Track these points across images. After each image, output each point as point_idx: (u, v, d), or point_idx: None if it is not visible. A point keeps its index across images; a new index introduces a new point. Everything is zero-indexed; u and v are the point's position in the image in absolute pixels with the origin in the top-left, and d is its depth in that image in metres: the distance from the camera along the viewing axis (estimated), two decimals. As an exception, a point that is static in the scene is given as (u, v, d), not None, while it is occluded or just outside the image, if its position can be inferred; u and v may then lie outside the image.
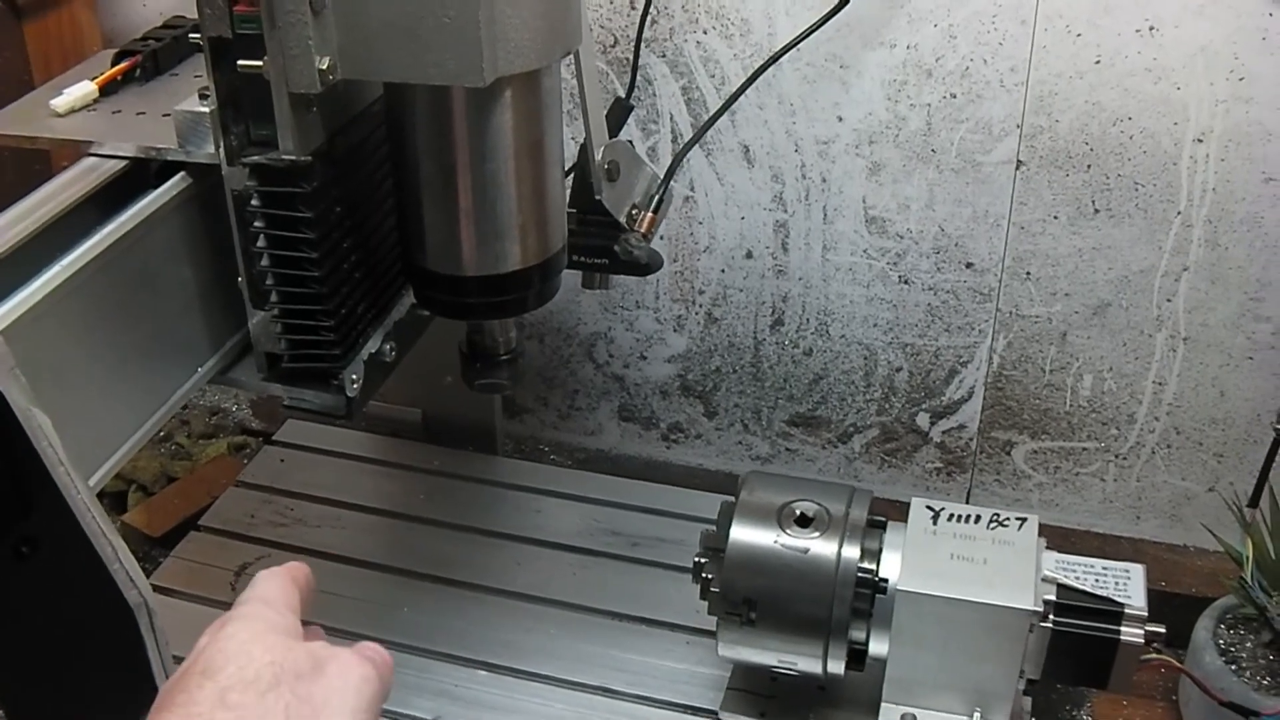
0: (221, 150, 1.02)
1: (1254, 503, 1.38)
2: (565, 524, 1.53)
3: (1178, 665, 1.30)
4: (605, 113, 1.20)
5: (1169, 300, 1.46)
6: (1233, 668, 1.31)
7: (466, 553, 1.48)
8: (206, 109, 1.02)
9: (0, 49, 1.63)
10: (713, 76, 1.47)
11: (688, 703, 1.30)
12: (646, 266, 1.25)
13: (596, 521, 1.53)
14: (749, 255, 1.56)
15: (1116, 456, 1.57)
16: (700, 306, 1.62)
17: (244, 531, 1.52)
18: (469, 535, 1.51)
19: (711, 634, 1.26)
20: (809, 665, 1.21)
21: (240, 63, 0.97)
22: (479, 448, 1.66)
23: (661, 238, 1.27)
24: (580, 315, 1.67)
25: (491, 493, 1.58)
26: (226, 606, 1.37)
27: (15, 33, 1.65)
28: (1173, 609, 1.21)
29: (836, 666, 1.21)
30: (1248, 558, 1.32)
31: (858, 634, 1.19)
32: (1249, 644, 1.34)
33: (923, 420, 1.61)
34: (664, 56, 1.48)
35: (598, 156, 1.16)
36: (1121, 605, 1.16)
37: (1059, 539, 1.21)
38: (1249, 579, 1.32)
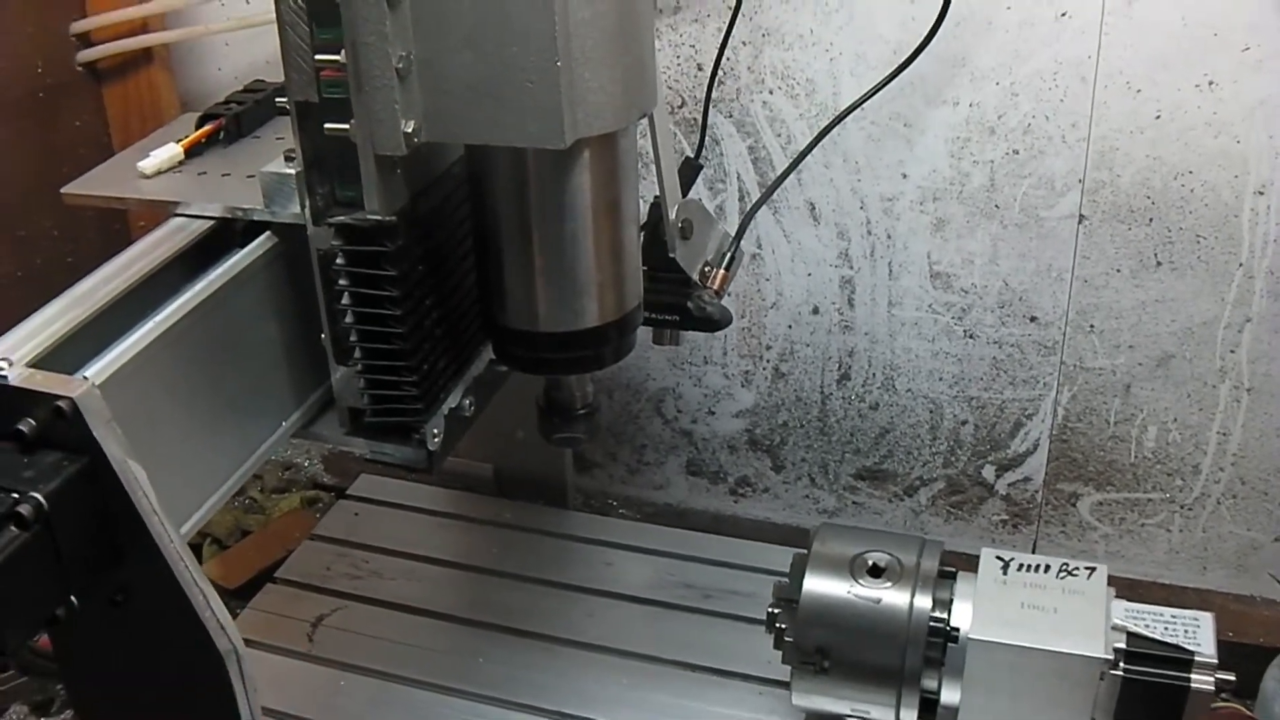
0: (307, 210, 1.05)
1: (1321, 553, 1.39)
2: (637, 577, 1.55)
3: (1248, 714, 1.31)
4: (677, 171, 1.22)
5: (1232, 351, 1.47)
6: (1303, 717, 1.32)
7: (540, 605, 1.50)
8: (292, 170, 1.06)
9: (80, 113, 1.68)
10: (779, 135, 1.50)
11: (760, 752, 1.31)
12: (717, 323, 1.27)
13: (668, 574, 1.55)
14: (815, 311, 1.59)
15: (1182, 507, 1.58)
16: (768, 362, 1.64)
17: (319, 584, 1.55)
18: (542, 588, 1.53)
19: (784, 684, 1.28)
20: (882, 714, 1.23)
21: (327, 126, 1.00)
22: (550, 502, 1.68)
23: (730, 294, 1.29)
24: (649, 371, 1.69)
25: (563, 546, 1.60)
26: (303, 658, 1.42)
27: (95, 96, 1.70)
28: (1240, 659, 1.21)
29: (909, 715, 1.22)
30: (1317, 607, 1.34)
31: (929, 683, 1.21)
32: (1319, 694, 1.34)
33: (988, 473, 1.63)
34: (731, 116, 1.51)
35: (672, 215, 1.19)
36: (1191, 653, 1.17)
37: (1125, 590, 1.22)
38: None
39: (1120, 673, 1.17)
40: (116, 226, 1.67)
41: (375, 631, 1.48)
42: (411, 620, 1.49)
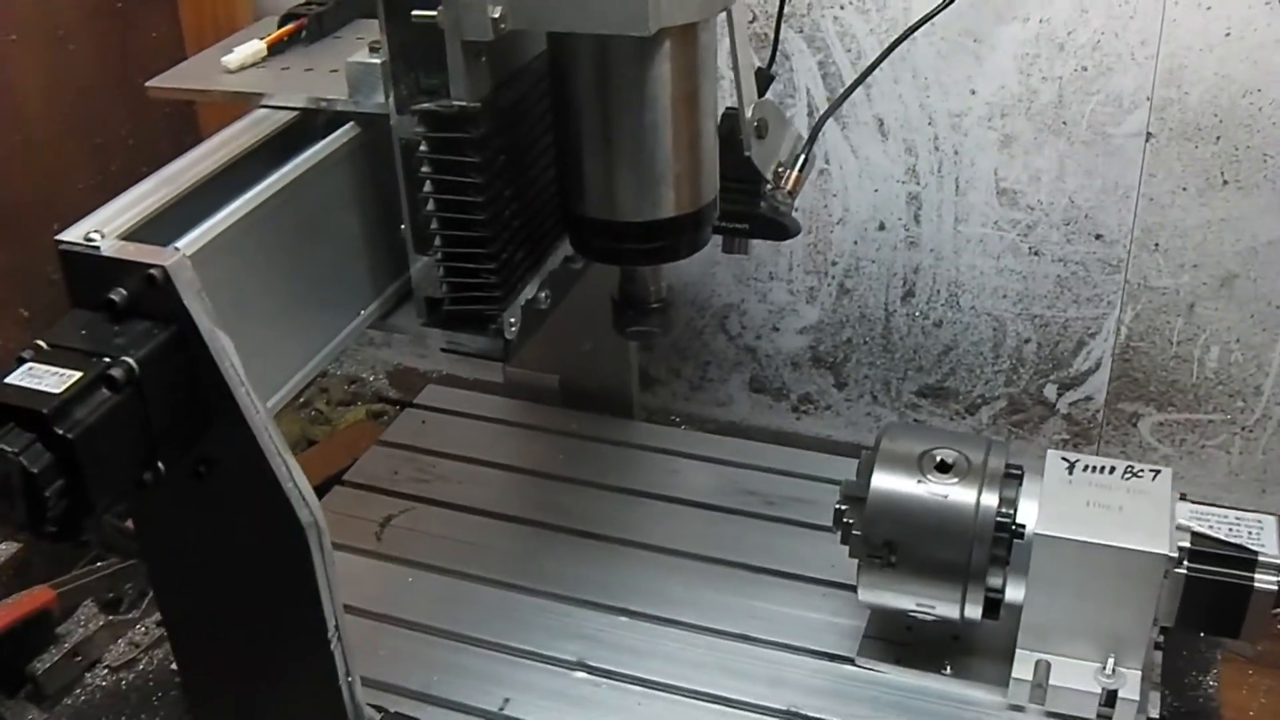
0: (391, 99, 1.08)
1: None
2: (701, 484, 1.57)
3: (1308, 620, 1.32)
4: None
5: (1297, 271, 1.48)
6: (1360, 633, 1.33)
7: (605, 509, 1.53)
8: (378, 60, 1.08)
9: (156, 23, 1.71)
10: (848, 51, 1.51)
11: (825, 650, 1.33)
12: (787, 229, 1.29)
13: (732, 482, 1.57)
14: (882, 227, 1.60)
15: (1243, 429, 1.59)
16: (833, 278, 1.65)
17: (387, 486, 1.58)
18: (607, 493, 1.56)
19: (848, 587, 1.30)
20: (947, 609, 1.25)
21: (415, 13, 1.02)
22: (615, 415, 1.70)
23: (797, 209, 1.31)
24: (714, 287, 1.71)
25: (629, 454, 1.63)
26: (372, 555, 1.45)
27: (171, 7, 1.72)
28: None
29: (974, 611, 1.24)
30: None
31: (994, 580, 1.23)
32: (1377, 611, 1.35)
33: (1050, 392, 1.64)
34: (801, 32, 1.52)
35: (748, 113, 1.20)
36: (1255, 553, 1.19)
37: (1186, 511, 1.24)
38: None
39: (1184, 571, 1.19)
40: (190, 138, 1.69)
41: (442, 532, 1.50)
42: (478, 521, 1.52)
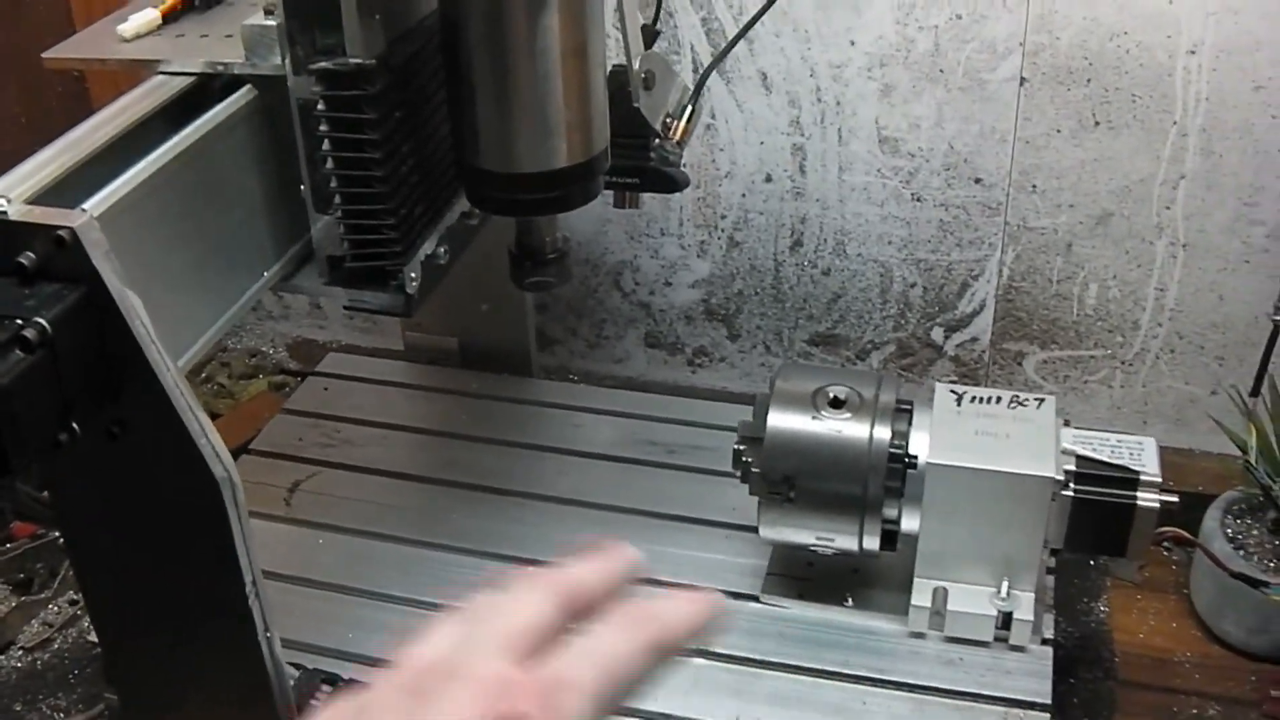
0: (288, 60, 1.09)
1: (1255, 392, 1.44)
2: (603, 436, 1.60)
3: (1189, 537, 1.37)
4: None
5: (1168, 208, 1.53)
6: (1241, 553, 1.37)
7: (510, 465, 1.55)
8: (273, 22, 1.10)
9: (41, 2, 1.70)
10: (730, 7, 1.54)
11: (730, 589, 1.36)
12: (675, 181, 1.32)
13: (633, 434, 1.60)
14: (768, 179, 1.64)
15: (1123, 363, 1.64)
16: (722, 231, 1.69)
17: (294, 453, 1.59)
18: (511, 449, 1.58)
19: (750, 529, 1.34)
20: (846, 542, 1.29)
21: (311, -28, 1.04)
22: (514, 374, 1.73)
23: (685, 164, 1.34)
24: (607, 245, 1.74)
25: (530, 411, 1.65)
26: (282, 520, 1.46)
27: (58, -19, 1.73)
28: (1181, 507, 1.26)
29: (872, 543, 1.28)
30: (1252, 445, 1.39)
31: (890, 511, 1.27)
32: (1255, 531, 1.40)
33: (937, 334, 1.69)
34: (684, -12, 1.55)
35: (635, 65, 1.23)
36: (1137, 473, 1.24)
37: (1070, 446, 1.29)
38: (1254, 463, 1.39)
39: (1070, 493, 1.23)
40: (82, 113, 1.69)
41: (350, 494, 1.52)
42: (386, 482, 1.54)
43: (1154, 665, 1.39)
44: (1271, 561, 1.37)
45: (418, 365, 1.74)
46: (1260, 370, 1.45)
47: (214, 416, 1.75)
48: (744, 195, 1.65)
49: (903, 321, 1.69)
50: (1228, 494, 1.44)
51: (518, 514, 1.48)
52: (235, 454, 1.57)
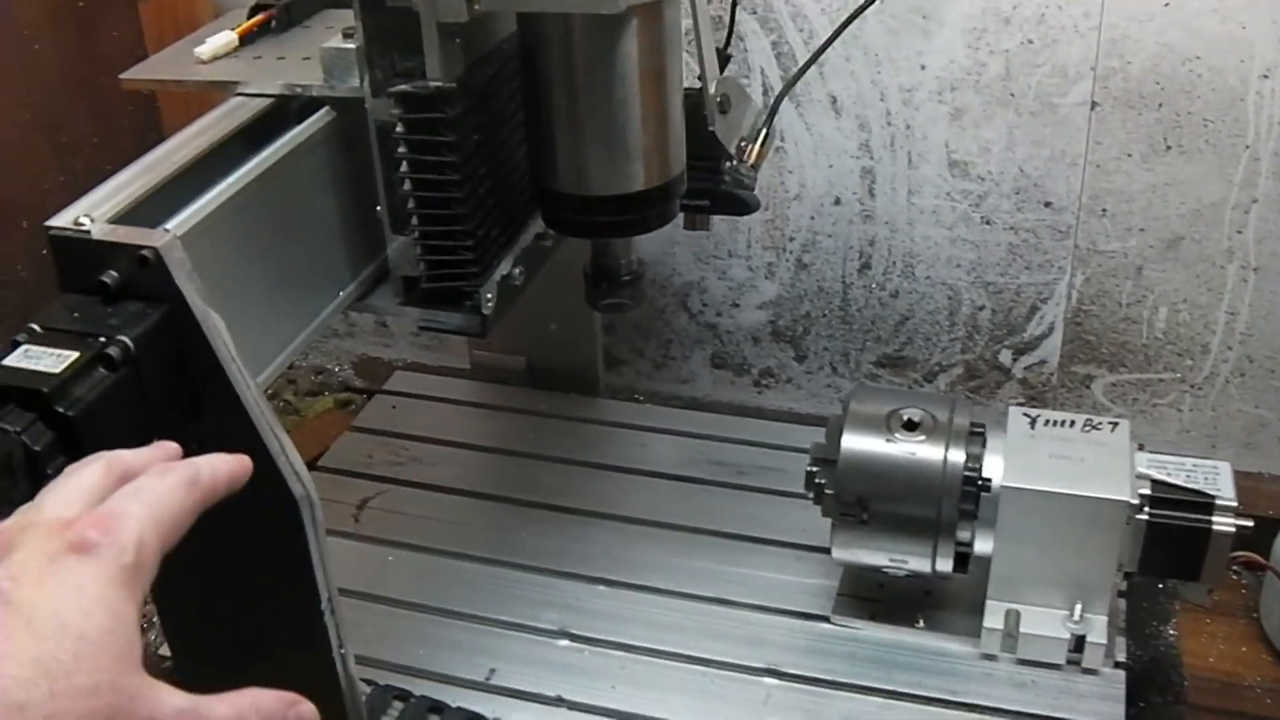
0: (367, 83, 1.10)
1: (1328, 419, 1.45)
2: (670, 456, 1.61)
3: (1262, 560, 1.37)
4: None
5: (1239, 232, 1.52)
6: (1312, 577, 1.37)
7: (577, 483, 1.56)
8: (352, 45, 1.11)
9: (115, 24, 1.72)
10: (801, 30, 1.55)
11: (801, 609, 1.37)
12: (746, 203, 1.32)
13: (700, 454, 1.61)
14: (837, 202, 1.64)
15: (1192, 387, 1.63)
16: (790, 253, 1.69)
17: (362, 470, 1.60)
18: (579, 469, 1.59)
19: (821, 549, 1.34)
20: (918, 564, 1.29)
21: (391, -2, 1.05)
22: (581, 394, 1.73)
23: (755, 188, 1.35)
24: (675, 266, 1.74)
25: (598, 431, 1.66)
26: (351, 537, 1.47)
27: (131, 7, 1.74)
28: (1251, 531, 1.26)
29: (944, 565, 1.28)
30: (1323, 470, 1.39)
31: (964, 534, 1.27)
32: (1327, 557, 1.40)
33: (1005, 357, 1.68)
34: (754, 13, 1.55)
35: (711, 89, 1.23)
36: (1212, 497, 1.23)
37: (1140, 470, 1.29)
38: (1326, 488, 1.38)
39: (1145, 517, 1.23)
40: (153, 135, 1.71)
41: (419, 511, 1.53)
42: (454, 500, 1.55)
43: (1223, 689, 1.38)
44: (1342, 587, 1.36)
45: (485, 384, 1.75)
46: (1331, 395, 1.45)
47: (280, 434, 1.77)
48: (813, 218, 1.66)
49: (971, 344, 1.68)
50: (1298, 518, 1.43)
51: (585, 533, 1.49)
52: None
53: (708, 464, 1.58)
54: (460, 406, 1.72)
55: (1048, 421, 1.29)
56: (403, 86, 1.09)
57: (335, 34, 1.15)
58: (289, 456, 1.02)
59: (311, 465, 1.58)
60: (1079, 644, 1.27)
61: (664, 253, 1.73)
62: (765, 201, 1.65)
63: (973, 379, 1.71)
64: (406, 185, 1.13)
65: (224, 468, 0.79)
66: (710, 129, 1.25)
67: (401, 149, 1.11)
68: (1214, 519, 1.23)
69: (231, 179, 1.08)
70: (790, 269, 1.70)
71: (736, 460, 1.59)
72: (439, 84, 1.08)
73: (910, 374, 1.73)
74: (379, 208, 1.16)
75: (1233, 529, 1.23)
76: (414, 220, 1.14)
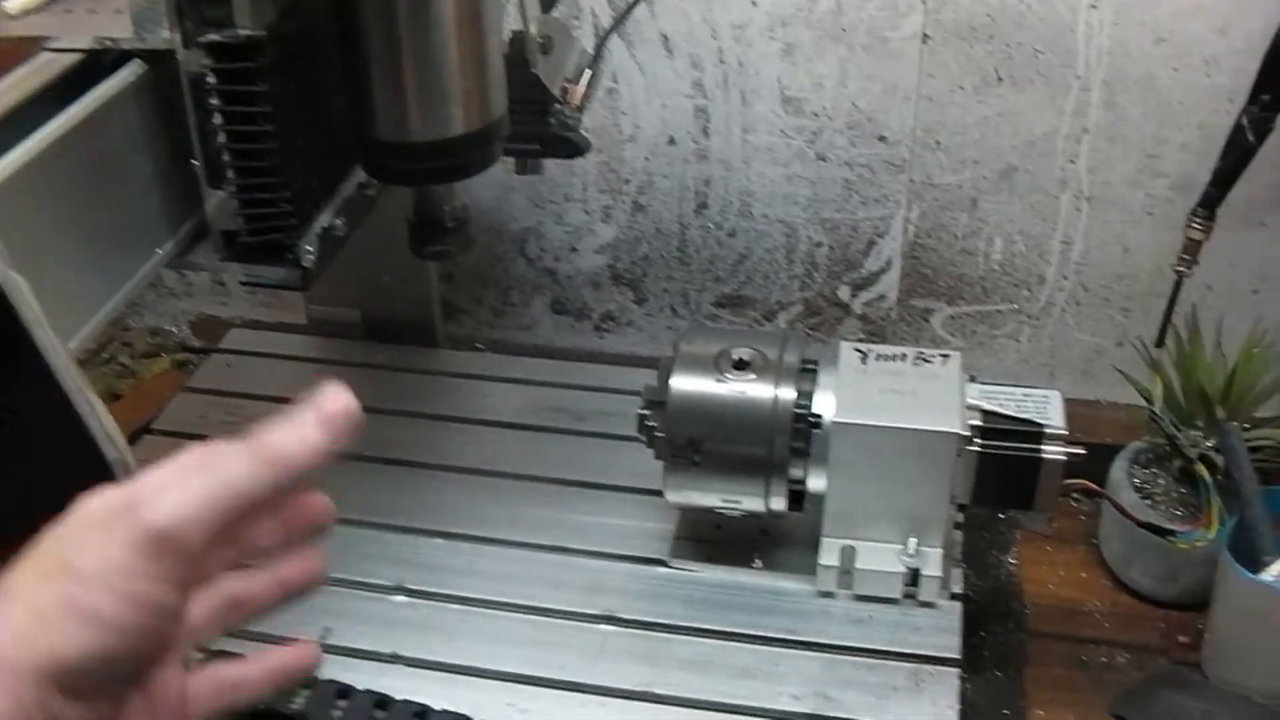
0: (177, 34, 1.06)
1: (1159, 343, 1.45)
2: (510, 404, 1.59)
3: (1096, 488, 1.37)
4: (535, -8, 1.25)
5: (1072, 162, 1.53)
6: (1148, 502, 1.38)
7: (416, 436, 1.54)
8: (162, -4, 1.08)
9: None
10: (630, -33, 1.53)
11: (639, 554, 1.36)
12: (576, 145, 1.30)
13: (540, 401, 1.59)
14: (672, 142, 1.62)
15: (1029, 317, 1.64)
16: (627, 196, 1.67)
17: (196, 431, 1.56)
18: (418, 420, 1.57)
19: (657, 493, 1.32)
20: (752, 503, 1.28)
21: (195, -57, 1.02)
22: (419, 345, 1.71)
23: (587, 129, 1.32)
24: (511, 212, 1.72)
25: (436, 381, 1.64)
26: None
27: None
28: (1089, 459, 1.27)
29: (778, 504, 1.28)
30: (1157, 395, 1.40)
31: (796, 471, 1.26)
32: (1161, 481, 1.41)
33: (844, 293, 1.68)
34: (583, -51, 1.53)
35: (532, 29, 1.21)
36: (1042, 426, 1.23)
37: (979, 400, 1.29)
38: (1159, 413, 1.39)
39: (976, 448, 1.23)
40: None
41: (255, 471, 1.49)
42: (290, 458, 1.51)
43: (1064, 615, 1.40)
44: (1178, 510, 1.38)
45: (321, 339, 1.72)
46: (1164, 322, 1.46)
47: (116, 397, 1.73)
48: (647, 159, 1.64)
49: (809, 281, 1.68)
50: (1134, 444, 1.44)
51: (424, 485, 1.46)
52: (139, 433, 1.56)
53: (548, 411, 1.57)
54: (296, 363, 1.68)
55: (879, 356, 1.29)
56: (212, 36, 1.05)
57: (146, -18, 1.11)
58: (102, 421, 0.99)
59: (146, 428, 1.56)
60: (914, 577, 1.27)
61: (499, 199, 1.71)
62: (599, 144, 1.63)
63: (812, 316, 1.70)
64: (221, 138, 1.09)
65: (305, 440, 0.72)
66: (533, 71, 1.23)
67: (214, 101, 1.07)
68: (1044, 448, 1.23)
69: (38, 135, 1.04)
70: (627, 211, 1.68)
71: (576, 406, 1.57)
72: (248, 33, 1.05)
73: (750, 313, 1.72)
74: (195, 161, 1.13)
75: (1063, 457, 1.23)
76: (230, 174, 1.11)
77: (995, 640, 1.35)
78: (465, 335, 1.83)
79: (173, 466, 0.66)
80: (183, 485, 0.65)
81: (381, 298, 1.69)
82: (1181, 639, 1.35)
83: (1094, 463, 1.33)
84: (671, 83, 1.58)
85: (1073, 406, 1.28)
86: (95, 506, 0.65)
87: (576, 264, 1.75)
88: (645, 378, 1.33)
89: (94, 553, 0.62)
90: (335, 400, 0.71)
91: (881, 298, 1.67)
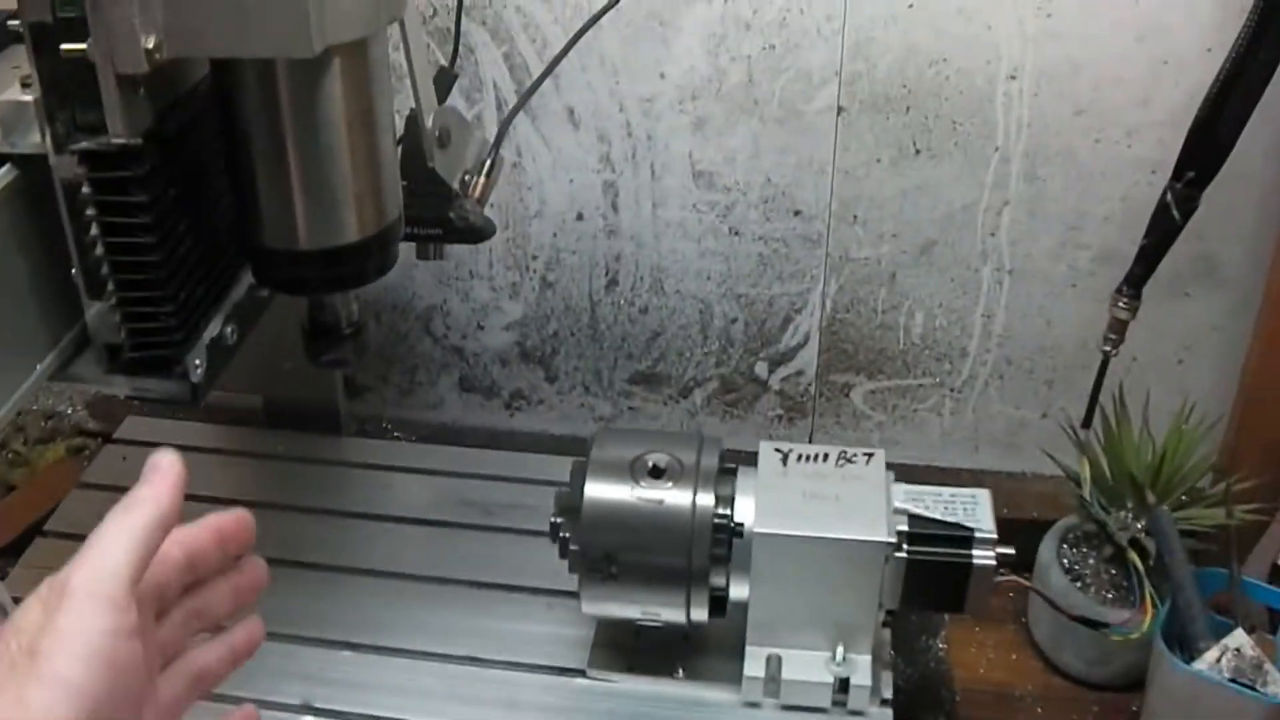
0: (48, 138, 1.00)
1: (1087, 424, 1.42)
2: (416, 498, 1.53)
3: (1026, 583, 1.34)
4: (432, 80, 1.19)
5: (992, 235, 1.50)
6: (1078, 584, 1.36)
7: (320, 534, 1.47)
8: (30, 97, 1.00)
9: None
10: (534, 41, 1.47)
11: (556, 664, 1.31)
12: (480, 232, 1.25)
13: (447, 493, 1.53)
14: (580, 217, 1.58)
15: (952, 390, 1.61)
16: (534, 272, 1.62)
17: (90, 533, 1.49)
18: (320, 517, 1.50)
19: (573, 594, 1.27)
20: (672, 615, 1.23)
21: (64, 47, 0.95)
22: (323, 430, 1.65)
23: (492, 205, 1.28)
24: (415, 289, 1.67)
25: (339, 473, 1.58)
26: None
27: None
28: (1016, 534, 1.23)
29: (699, 614, 1.23)
30: (1085, 478, 1.37)
31: (718, 580, 1.21)
32: (1091, 560, 1.38)
33: (761, 369, 1.64)
34: (484, 24, 1.48)
35: (428, 123, 1.16)
36: (971, 530, 1.20)
37: (901, 474, 1.24)
38: (1088, 497, 1.36)
39: (904, 555, 1.19)
40: None
41: (150, 573, 1.43)
42: (188, 560, 1.45)
43: (995, 701, 1.38)
44: (1109, 592, 1.36)
45: (220, 426, 1.65)
46: (1091, 402, 1.42)
47: (10, 488, 1.66)
48: (555, 235, 1.59)
49: (725, 357, 1.64)
50: (1062, 522, 1.42)
51: (328, 590, 1.40)
52: (31, 532, 1.49)
53: (456, 504, 1.51)
54: (194, 454, 1.59)
55: (800, 457, 1.24)
56: (85, 144, 0.99)
57: (14, 84, 1.04)
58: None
59: (39, 528, 1.50)
60: (844, 685, 1.22)
61: (403, 276, 1.65)
62: (504, 220, 1.58)
63: (729, 393, 1.66)
64: (99, 248, 1.03)
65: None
66: (430, 165, 1.18)
67: (90, 210, 1.01)
68: (974, 553, 1.19)
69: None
70: (535, 288, 1.63)
71: (485, 498, 1.51)
72: (123, 141, 0.98)
73: (665, 390, 1.68)
74: (73, 271, 1.06)
75: (994, 561, 1.19)
76: (110, 285, 1.05)
77: (926, 732, 1.32)
78: (372, 414, 1.77)
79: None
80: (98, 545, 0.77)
81: (283, 382, 1.62)
82: (1118, 721, 1.32)
83: (1022, 537, 1.28)
84: (578, 157, 1.54)
85: (998, 480, 1.26)
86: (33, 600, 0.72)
87: (484, 341, 1.69)
88: (558, 466, 1.29)
89: (54, 628, 0.70)
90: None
91: (800, 373, 1.63)
